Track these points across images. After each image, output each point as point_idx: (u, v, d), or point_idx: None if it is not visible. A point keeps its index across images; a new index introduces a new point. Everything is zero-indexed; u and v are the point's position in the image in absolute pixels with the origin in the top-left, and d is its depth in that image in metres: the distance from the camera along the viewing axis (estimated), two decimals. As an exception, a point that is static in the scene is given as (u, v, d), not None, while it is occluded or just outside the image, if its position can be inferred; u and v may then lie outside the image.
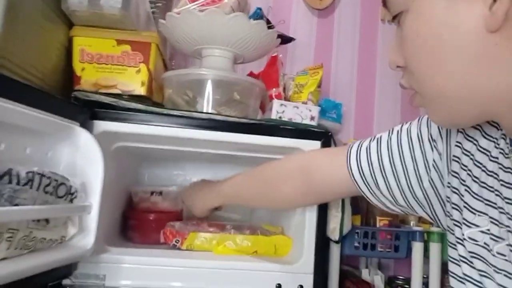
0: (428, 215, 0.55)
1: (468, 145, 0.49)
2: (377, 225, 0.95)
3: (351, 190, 0.61)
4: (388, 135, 0.58)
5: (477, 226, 0.44)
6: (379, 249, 0.95)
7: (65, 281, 0.65)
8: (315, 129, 0.79)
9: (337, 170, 0.62)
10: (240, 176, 0.78)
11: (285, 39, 0.98)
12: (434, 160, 0.53)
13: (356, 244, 0.94)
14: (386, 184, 0.56)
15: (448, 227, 0.50)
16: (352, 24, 1.40)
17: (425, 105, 0.45)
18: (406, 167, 0.55)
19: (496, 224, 0.42)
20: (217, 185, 0.81)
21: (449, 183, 0.50)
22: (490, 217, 0.43)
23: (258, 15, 0.82)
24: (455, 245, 0.47)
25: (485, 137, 0.47)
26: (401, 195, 0.55)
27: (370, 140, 0.60)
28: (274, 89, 0.90)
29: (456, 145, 0.50)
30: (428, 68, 0.41)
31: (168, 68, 1.01)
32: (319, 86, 0.91)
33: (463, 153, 0.49)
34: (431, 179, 0.53)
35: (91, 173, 0.58)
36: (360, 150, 0.60)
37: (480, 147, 0.47)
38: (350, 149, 0.61)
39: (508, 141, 0.44)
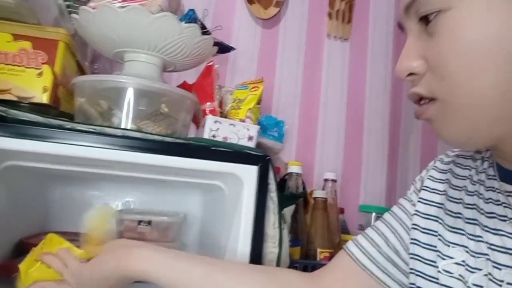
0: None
1: (440, 186, 0.52)
2: (318, 258, 0.86)
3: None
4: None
5: (452, 258, 0.44)
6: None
7: None
8: (252, 152, 0.69)
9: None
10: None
11: (223, 48, 0.88)
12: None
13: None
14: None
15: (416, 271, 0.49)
16: (298, 37, 1.33)
17: (444, 117, 0.40)
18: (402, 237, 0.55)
19: (472, 256, 0.43)
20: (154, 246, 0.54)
21: (414, 224, 0.52)
22: (467, 249, 0.43)
23: (190, 17, 0.71)
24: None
25: (457, 178, 0.51)
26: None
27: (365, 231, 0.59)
28: (208, 103, 0.79)
29: (423, 189, 0.54)
30: (468, 74, 0.37)
31: (86, 73, 0.86)
32: (259, 102, 0.81)
33: (434, 191, 0.52)
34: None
35: None
36: (356, 238, 0.58)
37: (453, 185, 0.51)
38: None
39: (495, 172, 0.45)
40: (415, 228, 0.52)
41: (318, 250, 0.87)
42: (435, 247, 0.47)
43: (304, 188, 1.01)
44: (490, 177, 0.46)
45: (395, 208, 0.58)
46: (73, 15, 0.71)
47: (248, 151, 0.70)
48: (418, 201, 0.54)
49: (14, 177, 0.69)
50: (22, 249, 0.74)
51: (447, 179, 0.53)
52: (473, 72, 0.37)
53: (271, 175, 0.71)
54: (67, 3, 0.80)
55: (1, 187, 0.65)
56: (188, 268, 0.52)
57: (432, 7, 0.39)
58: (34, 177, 0.78)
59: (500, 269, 0.40)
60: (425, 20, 0.40)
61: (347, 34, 1.39)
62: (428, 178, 0.55)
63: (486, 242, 0.42)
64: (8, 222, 0.70)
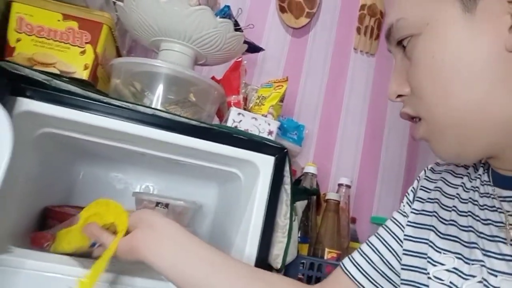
0: None
1: (432, 195, 0.52)
2: (325, 257, 0.88)
3: None
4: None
5: (443, 264, 0.44)
6: (324, 283, 0.88)
7: None
8: (271, 143, 0.73)
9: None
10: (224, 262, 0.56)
11: (253, 48, 0.92)
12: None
13: (300, 276, 0.87)
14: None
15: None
16: (325, 48, 1.37)
17: (432, 135, 0.43)
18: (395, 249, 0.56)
19: (466, 262, 0.42)
20: (172, 235, 0.56)
21: (406, 235, 0.53)
22: (460, 255, 0.43)
23: (225, 13, 0.75)
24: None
25: (449, 186, 0.51)
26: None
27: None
28: (233, 96, 0.83)
29: (416, 200, 0.54)
30: (441, 93, 0.39)
31: (122, 59, 0.92)
32: (282, 100, 0.85)
33: (426, 201, 0.52)
34: None
35: (-6, 154, 0.48)
36: (352, 254, 0.59)
37: (445, 193, 0.50)
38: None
39: (489, 178, 0.45)
40: (407, 239, 0.52)
41: (326, 249, 0.88)
42: (426, 254, 0.47)
43: (318, 189, 1.03)
44: (485, 183, 0.46)
45: (389, 222, 0.58)
46: (118, 3, 0.77)
47: (266, 142, 0.73)
48: (411, 212, 0.54)
49: (48, 146, 0.74)
50: (46, 215, 0.79)
51: (439, 187, 0.53)
52: (446, 91, 0.39)
53: (287, 168, 0.74)
54: (114, -7, 0.86)
55: (35, 153, 0.70)
56: (190, 271, 0.52)
57: (404, 33, 0.42)
58: (65, 150, 0.83)
59: (496, 275, 0.39)
60: (401, 45, 0.43)
61: (373, 50, 1.43)
62: (421, 189, 0.56)
63: (482, 249, 0.42)
64: (36, 188, 0.75)
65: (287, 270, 0.83)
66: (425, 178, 0.57)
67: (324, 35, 1.37)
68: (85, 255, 0.63)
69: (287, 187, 0.74)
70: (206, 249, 0.55)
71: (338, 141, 1.33)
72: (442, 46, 0.39)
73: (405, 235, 0.53)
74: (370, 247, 0.57)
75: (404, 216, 0.56)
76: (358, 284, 0.55)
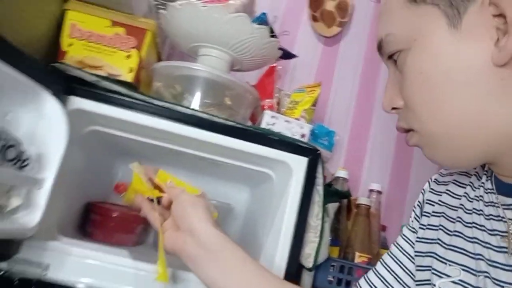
0: None
1: (437, 208, 0.51)
2: (355, 261, 0.89)
3: None
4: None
5: (448, 276, 0.44)
6: (354, 287, 0.88)
7: (1, 265, 0.57)
8: (304, 145, 0.75)
9: None
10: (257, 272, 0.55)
11: (286, 54, 0.95)
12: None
13: (330, 278, 0.87)
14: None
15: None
16: (356, 57, 1.38)
17: (426, 144, 0.44)
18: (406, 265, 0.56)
19: (473, 274, 0.42)
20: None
21: (416, 251, 0.53)
22: (466, 267, 0.43)
23: (262, 20, 0.79)
24: None
25: (453, 197, 0.50)
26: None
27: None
28: (267, 100, 0.86)
29: (424, 215, 0.53)
30: (432, 106, 0.40)
31: (162, 65, 0.96)
32: (314, 104, 0.87)
33: (432, 215, 0.52)
34: None
35: (51, 146, 0.53)
36: (368, 275, 0.60)
37: (449, 205, 0.50)
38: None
39: (492, 185, 0.44)
40: (417, 255, 0.52)
41: (357, 253, 0.89)
42: (430, 266, 0.47)
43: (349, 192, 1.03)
44: (489, 191, 0.45)
45: (400, 240, 0.58)
46: (161, 11, 0.82)
47: (300, 144, 0.75)
48: (420, 228, 0.54)
49: (93, 143, 0.78)
50: (90, 210, 0.84)
51: (442, 200, 0.52)
52: (435, 105, 0.40)
53: (319, 169, 0.76)
54: (156, 2, 0.92)
55: (82, 150, 0.75)
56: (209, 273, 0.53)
57: (393, 48, 0.43)
58: (107, 149, 0.88)
59: (502, 286, 0.39)
60: (392, 59, 0.44)
61: (405, 59, 1.42)
62: (427, 203, 0.55)
63: (488, 260, 0.41)
64: (82, 183, 0.79)
65: (317, 271, 0.84)
66: (430, 191, 0.56)
67: (355, 44, 1.39)
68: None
69: (319, 188, 0.75)
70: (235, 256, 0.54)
71: (369, 149, 1.33)
72: (429, 61, 0.39)
73: (415, 251, 0.53)
74: (385, 266, 0.58)
75: (413, 232, 0.56)
76: None
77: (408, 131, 0.46)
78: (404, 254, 0.56)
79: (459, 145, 0.40)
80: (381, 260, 0.59)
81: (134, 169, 0.67)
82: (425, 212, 0.54)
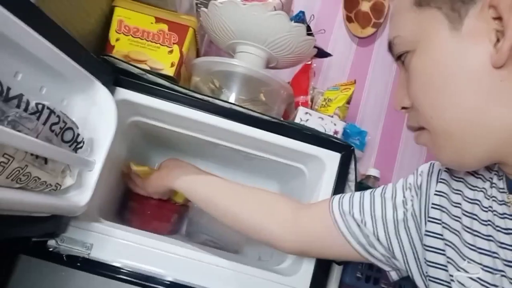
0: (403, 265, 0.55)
1: (454, 197, 0.49)
2: (384, 259, 0.89)
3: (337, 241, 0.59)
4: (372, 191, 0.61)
5: (467, 272, 0.44)
6: (382, 285, 0.89)
7: (51, 242, 0.62)
8: (337, 141, 0.76)
9: (321, 213, 0.62)
10: (223, 182, 0.73)
11: (321, 53, 0.96)
12: (413, 209, 0.53)
13: (359, 275, 0.88)
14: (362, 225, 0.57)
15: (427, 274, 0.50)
16: (390, 58, 1.37)
17: (433, 143, 0.45)
18: (386, 213, 0.56)
19: (490, 272, 0.42)
20: (191, 169, 0.80)
21: (428, 231, 0.50)
22: (484, 266, 0.42)
23: (299, 18, 0.81)
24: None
25: (470, 189, 0.48)
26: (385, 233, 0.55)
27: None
28: (302, 96, 0.88)
29: (436, 194, 0.51)
30: (435, 105, 0.41)
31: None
32: (348, 102, 0.88)
33: (452, 204, 0.49)
34: (408, 227, 0.54)
35: (101, 131, 0.57)
36: (342, 197, 0.61)
37: (467, 197, 0.48)
38: (332, 198, 0.62)
39: (505, 185, 0.44)
40: (428, 235, 0.50)
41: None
42: (450, 257, 0.46)
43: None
44: (501, 190, 0.45)
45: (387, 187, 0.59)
46: (203, 9, 0.85)
47: (333, 139, 0.76)
48: (431, 221, 0.51)
49: (135, 134, 0.83)
50: (129, 198, 0.88)
51: (461, 191, 0.50)
52: (438, 104, 0.41)
53: (352, 165, 0.77)
54: (197, 0, 0.95)
55: (124, 139, 0.79)
56: (207, 195, 0.71)
57: (400, 49, 0.45)
58: (147, 140, 0.92)
59: None
60: (400, 60, 0.45)
61: (441, 61, 1.41)
62: (436, 194, 0.52)
63: (504, 259, 0.41)
64: (120, 171, 0.84)
65: (346, 266, 0.85)
66: (440, 181, 0.53)
67: (389, 45, 1.38)
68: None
69: (351, 184, 0.76)
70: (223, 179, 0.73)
71: (400, 151, 1.33)
72: (431, 63, 0.41)
73: (427, 230, 0.51)
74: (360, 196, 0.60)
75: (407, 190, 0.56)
76: (338, 229, 0.58)
77: (417, 130, 0.47)
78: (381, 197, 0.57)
79: (463, 143, 0.41)
80: (361, 192, 0.61)
81: (134, 168, 0.82)
82: (434, 204, 0.51)
